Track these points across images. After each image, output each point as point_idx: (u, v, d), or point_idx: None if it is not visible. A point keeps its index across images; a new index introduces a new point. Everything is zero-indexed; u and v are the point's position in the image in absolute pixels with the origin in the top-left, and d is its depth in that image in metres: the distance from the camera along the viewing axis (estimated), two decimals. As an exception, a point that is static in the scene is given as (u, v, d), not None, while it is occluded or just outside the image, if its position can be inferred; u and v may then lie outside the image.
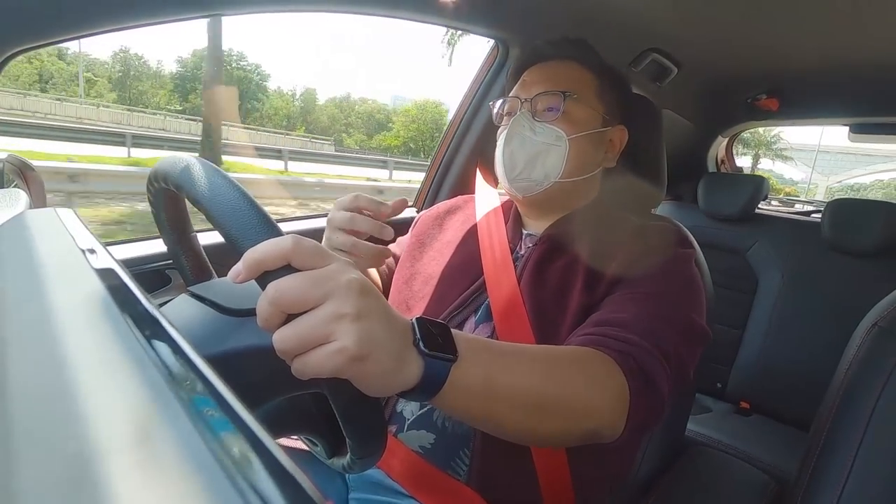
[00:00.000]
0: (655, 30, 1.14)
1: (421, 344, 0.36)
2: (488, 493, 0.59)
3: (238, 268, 0.33)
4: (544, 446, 0.48)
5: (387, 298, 0.78)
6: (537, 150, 0.69)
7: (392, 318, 0.36)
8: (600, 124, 0.72)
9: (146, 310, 0.22)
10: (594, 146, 0.72)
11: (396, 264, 0.83)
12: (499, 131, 0.76)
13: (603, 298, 0.61)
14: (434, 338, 0.37)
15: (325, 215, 1.14)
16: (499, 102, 0.77)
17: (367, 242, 0.60)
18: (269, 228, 0.35)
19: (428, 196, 1.28)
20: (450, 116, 1.29)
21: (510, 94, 0.75)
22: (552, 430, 0.46)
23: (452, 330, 0.40)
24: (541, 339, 0.62)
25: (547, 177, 0.70)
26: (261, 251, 0.32)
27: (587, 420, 0.47)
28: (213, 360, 0.19)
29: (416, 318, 0.38)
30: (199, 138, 11.92)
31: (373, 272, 0.85)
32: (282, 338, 0.31)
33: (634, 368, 0.50)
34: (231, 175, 0.39)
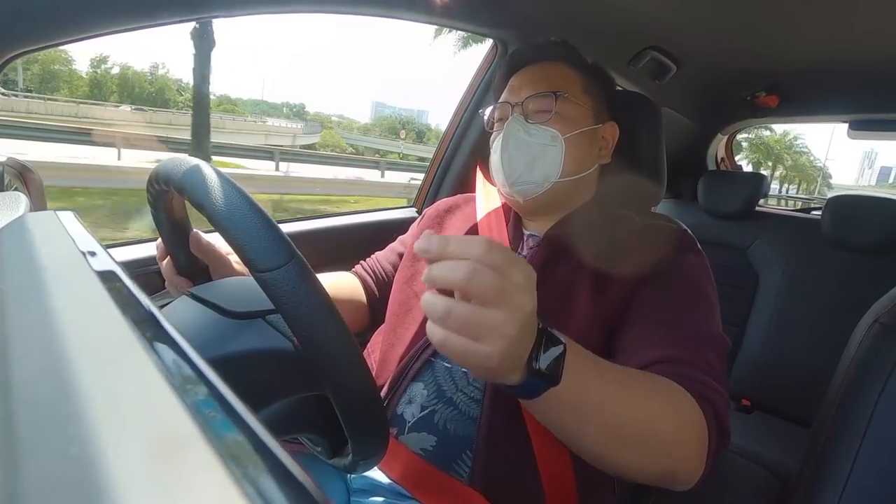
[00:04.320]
0: (654, 28, 1.13)
1: (534, 362, 0.39)
2: (491, 495, 0.59)
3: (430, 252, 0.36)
4: (615, 474, 0.49)
5: (388, 295, 0.79)
6: (534, 151, 0.69)
7: (530, 335, 0.38)
8: (592, 121, 0.73)
9: (147, 312, 0.22)
10: (589, 143, 0.73)
11: (400, 261, 0.83)
12: (492, 138, 0.75)
13: (618, 309, 0.61)
14: (548, 360, 0.40)
15: (329, 216, 1.14)
16: (489, 109, 0.77)
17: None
18: (279, 244, 0.36)
19: (428, 195, 1.28)
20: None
21: (500, 100, 0.76)
22: (630, 461, 0.46)
23: (568, 351, 0.41)
24: None
25: (547, 178, 0.69)
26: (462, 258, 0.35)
27: (667, 459, 0.47)
28: (214, 363, 0.19)
29: (546, 333, 0.40)
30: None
31: (356, 284, 0.84)
32: (455, 313, 0.34)
33: (711, 414, 0.51)
34: (232, 177, 0.39)
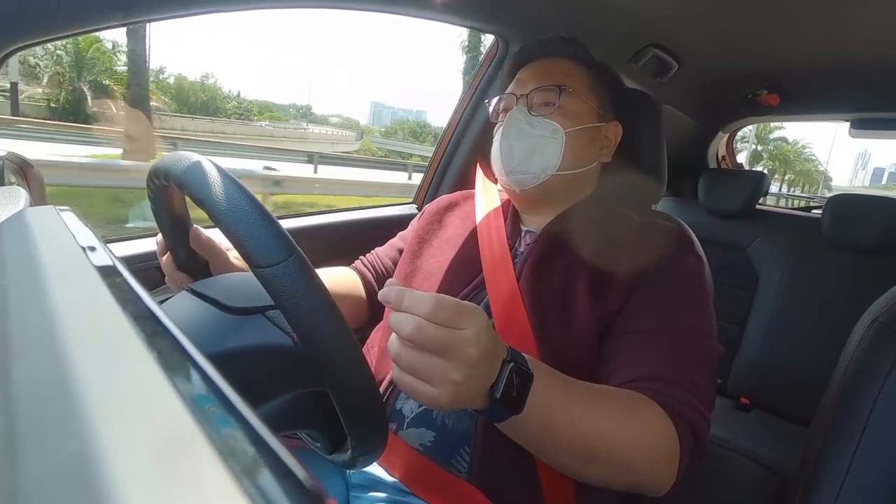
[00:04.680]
0: (656, 25, 1.13)
1: (496, 393, 0.42)
2: (489, 490, 0.59)
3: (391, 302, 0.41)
4: (587, 482, 0.52)
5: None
6: (534, 142, 0.70)
7: (479, 378, 0.41)
8: (595, 119, 0.73)
9: (147, 307, 0.22)
10: (590, 140, 0.73)
11: (400, 257, 0.83)
12: (496, 128, 0.76)
13: (614, 306, 0.61)
14: (510, 389, 0.42)
15: (330, 211, 1.14)
16: (495, 100, 0.78)
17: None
18: (279, 240, 0.36)
19: (428, 193, 1.28)
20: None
21: (506, 92, 0.76)
22: (597, 476, 0.49)
23: (537, 381, 0.44)
24: (539, 337, 0.62)
25: (544, 170, 0.70)
26: (412, 310, 0.40)
27: (635, 475, 0.50)
28: (214, 359, 0.19)
29: (512, 363, 0.43)
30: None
31: (355, 279, 0.84)
32: (405, 358, 0.40)
33: (686, 432, 0.52)
34: (232, 173, 0.39)
